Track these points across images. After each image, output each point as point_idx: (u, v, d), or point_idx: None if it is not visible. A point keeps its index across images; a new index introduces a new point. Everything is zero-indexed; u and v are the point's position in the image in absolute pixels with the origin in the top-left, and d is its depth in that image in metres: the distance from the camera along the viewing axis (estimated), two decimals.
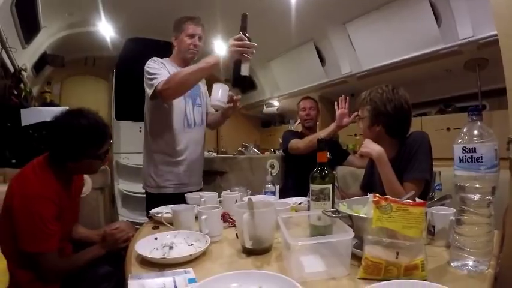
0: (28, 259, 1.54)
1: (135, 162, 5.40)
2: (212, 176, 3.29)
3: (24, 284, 1.56)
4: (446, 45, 2.97)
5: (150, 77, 2.21)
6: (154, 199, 2.34)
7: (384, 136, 1.90)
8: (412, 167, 1.77)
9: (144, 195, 2.51)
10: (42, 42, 4.09)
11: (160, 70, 2.24)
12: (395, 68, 3.58)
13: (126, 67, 5.11)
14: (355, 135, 4.08)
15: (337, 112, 2.70)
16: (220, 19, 3.62)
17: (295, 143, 3.15)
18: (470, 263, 1.03)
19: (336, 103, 2.72)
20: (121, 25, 4.21)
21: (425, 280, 0.94)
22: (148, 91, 2.22)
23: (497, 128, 1.19)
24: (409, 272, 0.95)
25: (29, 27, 3.59)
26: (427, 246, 1.24)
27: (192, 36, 2.39)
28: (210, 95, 2.32)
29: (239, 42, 1.97)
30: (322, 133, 2.92)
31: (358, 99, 2.02)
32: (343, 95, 2.74)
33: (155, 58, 2.35)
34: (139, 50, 4.46)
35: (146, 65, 2.29)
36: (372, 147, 1.82)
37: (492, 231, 1.04)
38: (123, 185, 5.45)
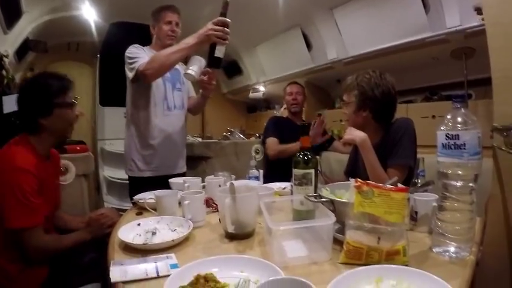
0: (16, 245, 1.54)
1: (120, 149, 5.17)
2: (197, 161, 3.29)
3: (15, 275, 1.56)
4: (434, 33, 2.98)
5: (131, 61, 2.25)
6: (137, 183, 2.38)
7: (369, 121, 1.89)
8: (396, 153, 1.78)
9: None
10: (24, 27, 4.02)
11: (140, 54, 2.27)
12: (382, 55, 3.58)
13: (110, 52, 5.04)
14: (341, 121, 4.07)
15: (311, 133, 2.80)
16: (207, 4, 3.59)
17: (269, 147, 3.19)
18: (452, 249, 1.03)
19: (313, 123, 2.86)
20: (104, 9, 4.14)
21: (406, 265, 0.94)
22: (129, 74, 2.26)
23: (482, 117, 1.21)
24: (390, 257, 0.96)
25: (10, 13, 3.53)
26: (410, 232, 1.25)
27: (169, 23, 2.44)
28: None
29: (217, 27, 1.98)
30: (292, 148, 2.97)
31: (344, 83, 2.00)
32: (317, 119, 2.91)
33: (135, 45, 2.38)
34: (123, 34, 4.40)
35: (126, 51, 2.32)
36: (355, 134, 1.80)
37: (474, 218, 1.05)
38: (108, 172, 5.41)
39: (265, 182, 2.24)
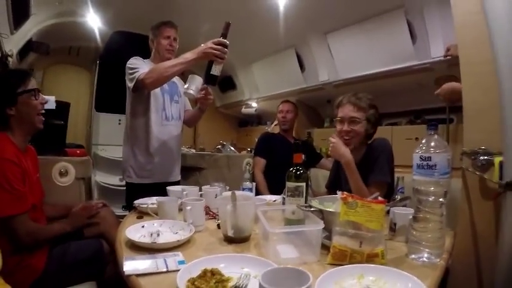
0: (8, 237, 1.60)
1: (113, 155, 5.38)
2: (191, 172, 3.37)
3: (10, 269, 1.55)
4: (419, 61, 3.13)
5: (131, 71, 2.36)
6: (134, 189, 2.47)
7: (361, 140, 2.04)
8: (374, 170, 1.94)
9: (121, 188, 2.59)
10: (30, 29, 4.07)
11: (140, 65, 2.38)
12: (371, 79, 3.72)
13: (110, 59, 5.14)
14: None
15: None
16: (204, 20, 3.70)
17: (255, 167, 3.34)
18: (425, 255, 1.20)
19: None
20: (109, 17, 4.20)
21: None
22: (130, 84, 2.37)
23: (462, 139, 1.37)
24: (370, 259, 1.12)
25: (19, 14, 3.57)
26: (389, 241, 1.42)
27: (168, 37, 2.57)
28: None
29: (216, 46, 2.10)
30: (261, 186, 3.15)
31: (352, 100, 2.04)
32: None
33: (136, 57, 2.50)
34: (124, 43, 4.51)
35: (128, 62, 2.43)
36: (341, 153, 1.93)
37: (443, 228, 1.22)
38: (100, 177, 5.40)
39: (258, 192, 2.37)
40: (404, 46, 3.15)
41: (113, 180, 5.05)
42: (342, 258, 1.13)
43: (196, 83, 2.37)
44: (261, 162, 3.34)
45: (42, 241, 1.71)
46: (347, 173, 1.94)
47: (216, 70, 2.17)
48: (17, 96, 1.76)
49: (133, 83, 2.31)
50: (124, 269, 1.09)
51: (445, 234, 1.25)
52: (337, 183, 2.21)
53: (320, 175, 3.26)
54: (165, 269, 1.10)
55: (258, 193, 2.68)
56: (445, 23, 2.87)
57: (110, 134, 5.54)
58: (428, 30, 3.03)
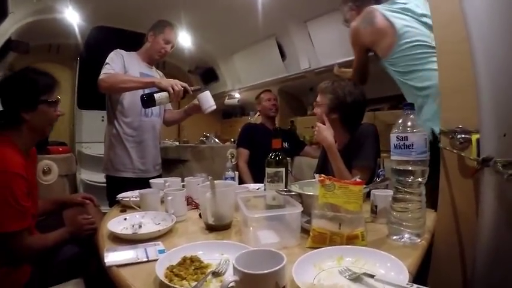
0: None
1: (97, 152, 5.27)
2: (175, 164, 3.37)
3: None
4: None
5: (106, 66, 2.39)
6: (113, 182, 2.50)
7: (337, 123, 2.04)
8: (359, 155, 1.94)
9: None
10: (8, 28, 3.98)
11: (114, 62, 2.40)
12: (352, 65, 3.68)
13: (91, 56, 4.96)
14: (312, 127, 4.15)
15: None
16: (185, 11, 3.68)
17: (239, 158, 3.33)
18: (406, 235, 1.20)
19: None
20: (88, 13, 4.13)
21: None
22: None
23: None
24: (350, 241, 1.12)
25: None
26: (370, 224, 1.43)
27: (167, 42, 2.57)
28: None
29: (180, 86, 2.29)
30: (245, 176, 3.16)
31: (320, 86, 2.13)
32: None
33: (118, 50, 2.50)
34: (104, 38, 4.44)
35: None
36: (323, 136, 1.96)
37: (423, 208, 1.22)
38: (85, 175, 5.37)
39: (241, 182, 2.38)
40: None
41: (98, 177, 4.93)
42: (322, 241, 1.13)
43: (209, 96, 2.46)
44: (245, 152, 3.35)
45: (39, 253, 1.64)
46: (329, 156, 1.96)
47: (160, 99, 2.25)
48: (39, 104, 1.68)
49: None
50: (105, 261, 1.09)
51: (426, 214, 1.26)
52: (325, 169, 2.19)
53: (304, 163, 3.27)
54: (145, 259, 1.11)
55: (242, 183, 2.69)
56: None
57: (93, 131, 5.41)
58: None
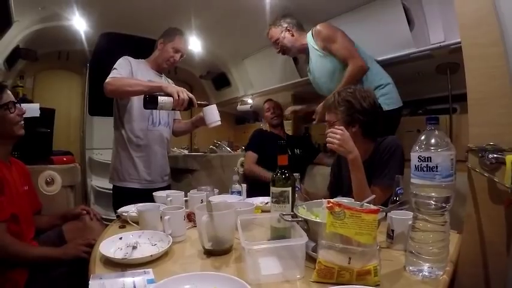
0: None
1: (109, 158, 5.14)
2: (183, 174, 3.28)
3: None
4: (418, 49, 3.00)
5: (113, 70, 2.36)
6: (119, 192, 2.48)
7: (358, 137, 1.85)
8: (382, 172, 1.79)
9: None
10: (15, 36, 3.99)
11: (122, 67, 2.37)
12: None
13: (100, 62, 4.95)
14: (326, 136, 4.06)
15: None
16: (196, 16, 3.60)
17: (246, 161, 3.27)
18: (425, 268, 1.04)
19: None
20: (95, 19, 4.11)
21: (377, 285, 0.95)
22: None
23: (466, 131, 1.22)
24: (361, 277, 0.96)
25: (0, 22, 3.55)
26: (386, 250, 1.27)
27: (177, 51, 2.55)
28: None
29: (187, 95, 2.20)
30: (263, 175, 3.03)
31: (326, 103, 1.99)
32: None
33: (126, 57, 2.47)
34: (113, 44, 4.41)
35: None
36: (350, 148, 1.74)
37: (447, 239, 1.05)
38: (96, 181, 5.36)
39: (250, 192, 2.26)
40: (401, 33, 3.00)
41: (109, 184, 4.88)
42: (329, 276, 0.98)
43: (215, 111, 2.38)
44: (253, 156, 3.25)
45: (15, 258, 1.63)
46: (351, 170, 1.76)
47: (163, 103, 2.17)
48: None
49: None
50: None
51: (450, 240, 1.08)
52: (339, 182, 2.08)
53: (317, 172, 3.15)
54: None
55: (260, 182, 2.76)
56: (444, 7, 2.72)
57: (105, 138, 5.31)
58: (426, 14, 2.88)
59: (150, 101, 2.15)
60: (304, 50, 2.79)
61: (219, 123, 2.36)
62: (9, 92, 1.86)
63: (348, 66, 2.49)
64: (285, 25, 2.76)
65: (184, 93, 2.19)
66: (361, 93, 1.88)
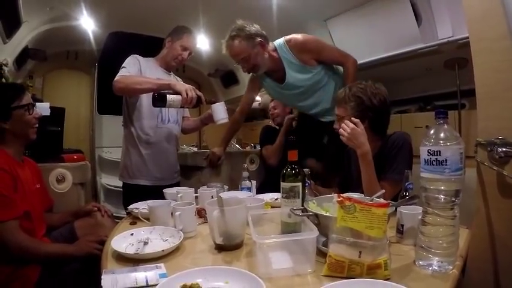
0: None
1: (118, 156, 5.13)
2: (192, 171, 3.29)
3: (7, 279, 1.61)
4: (426, 44, 2.99)
5: (122, 69, 2.35)
6: (129, 190, 2.48)
7: (367, 134, 1.80)
8: (391, 167, 1.78)
9: None
10: (24, 36, 4.05)
11: (130, 66, 2.37)
12: (376, 66, 3.55)
13: (109, 61, 4.98)
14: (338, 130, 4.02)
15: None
16: (203, 14, 3.61)
17: (266, 155, 3.23)
18: (435, 263, 1.04)
19: None
20: (103, 19, 4.17)
21: (387, 279, 0.96)
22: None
23: (475, 126, 1.22)
24: (371, 271, 0.97)
25: (9, 23, 3.58)
26: (396, 245, 1.28)
27: (185, 49, 2.51)
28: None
29: (195, 93, 2.20)
30: (277, 144, 3.07)
31: (336, 98, 1.98)
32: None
33: (135, 55, 2.46)
34: (121, 44, 4.44)
35: None
36: (361, 142, 1.73)
37: (456, 233, 1.05)
38: (105, 179, 5.41)
39: (263, 189, 2.26)
40: (408, 28, 3.01)
41: (119, 182, 4.86)
42: (340, 270, 0.99)
43: (223, 108, 2.37)
44: (271, 146, 3.22)
45: (27, 254, 1.65)
46: (361, 165, 1.76)
47: (172, 101, 2.17)
48: (11, 111, 1.81)
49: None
50: (102, 284, 1.01)
51: (459, 235, 1.09)
52: (348, 179, 2.08)
53: None
54: (144, 284, 1.03)
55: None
56: (451, 1, 2.72)
57: (114, 136, 5.36)
58: (434, 10, 2.88)
59: (159, 99, 2.15)
60: (274, 66, 2.50)
61: (227, 120, 2.36)
62: (28, 94, 1.91)
63: (346, 67, 2.48)
64: (259, 39, 2.37)
65: (193, 91, 2.18)
66: (371, 89, 1.87)
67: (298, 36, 2.44)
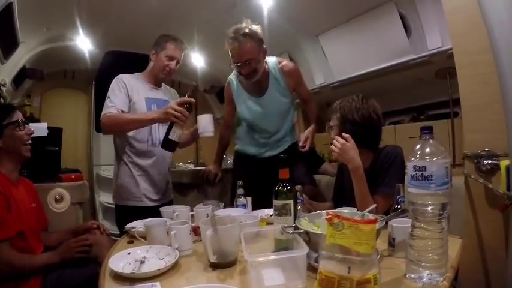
0: None
1: None
2: (190, 189, 3.29)
3: None
4: (416, 55, 3.03)
5: (107, 100, 2.29)
6: (122, 211, 2.42)
7: None
8: (383, 181, 1.82)
9: None
10: (21, 56, 4.10)
11: (115, 95, 2.30)
12: (368, 78, 3.60)
13: (105, 79, 4.97)
14: (331, 144, 4.04)
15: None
16: (197, 31, 3.65)
17: None
18: (425, 275, 1.06)
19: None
20: (99, 39, 4.22)
21: None
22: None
23: None
24: (361, 286, 0.98)
25: (7, 43, 3.63)
26: (388, 258, 1.29)
27: (171, 58, 2.41)
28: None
29: (177, 108, 2.05)
30: None
31: (331, 108, 2.04)
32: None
33: (120, 77, 2.40)
34: (117, 62, 4.51)
35: (111, 84, 2.38)
36: (351, 157, 1.78)
37: (445, 245, 1.07)
38: (103, 197, 5.41)
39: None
40: (399, 40, 3.06)
41: None
42: (330, 286, 1.00)
43: (209, 120, 2.22)
44: None
45: (22, 271, 1.71)
46: (353, 179, 1.80)
47: (174, 135, 2.10)
48: (3, 128, 1.85)
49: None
50: None
51: (450, 241, 1.10)
52: (342, 193, 2.10)
53: (322, 181, 3.14)
54: None
55: None
56: (440, 13, 2.74)
57: (111, 154, 5.41)
58: (423, 21, 2.93)
59: (167, 143, 2.14)
60: (260, 78, 2.48)
61: (212, 134, 2.22)
62: (19, 112, 1.95)
63: (311, 104, 2.74)
64: (264, 46, 2.36)
65: (176, 107, 2.06)
66: (356, 104, 1.92)
67: (289, 61, 2.57)
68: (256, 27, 2.29)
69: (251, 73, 2.36)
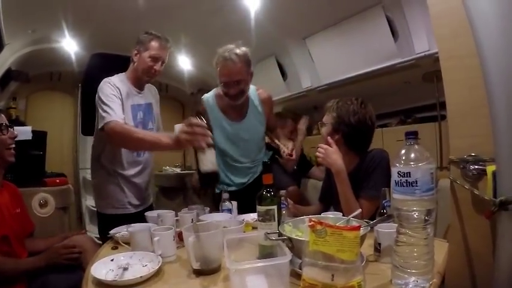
0: None
1: None
2: (176, 192, 3.28)
3: None
4: (403, 59, 3.04)
5: (104, 107, 2.08)
6: (105, 219, 2.33)
7: (341, 145, 1.91)
8: (368, 184, 1.82)
9: None
10: (7, 58, 4.05)
11: (113, 103, 2.10)
12: (355, 81, 3.60)
13: (92, 82, 4.93)
14: (316, 147, 4.05)
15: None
16: (184, 34, 3.63)
17: None
18: (411, 282, 1.04)
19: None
20: (85, 41, 4.19)
21: None
22: (99, 122, 2.09)
23: None
24: None
25: None
26: (374, 263, 1.28)
27: (155, 59, 2.24)
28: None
29: (187, 129, 1.74)
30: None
31: (327, 105, 2.06)
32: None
33: (108, 82, 2.21)
34: (104, 65, 4.44)
35: (99, 88, 2.18)
36: (333, 160, 1.82)
37: (431, 251, 1.05)
38: (90, 201, 5.32)
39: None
40: (386, 44, 3.06)
41: None
42: None
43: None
44: None
45: (6, 275, 1.70)
46: (337, 182, 1.83)
47: (203, 164, 1.76)
48: None
49: (101, 125, 2.05)
50: None
51: (437, 246, 1.09)
52: (329, 195, 2.10)
53: (310, 185, 3.16)
54: None
55: None
56: (427, 17, 2.75)
57: None
58: (410, 25, 2.94)
59: (204, 182, 1.90)
60: (245, 103, 2.46)
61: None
62: (2, 115, 1.89)
63: (275, 132, 2.73)
64: (251, 69, 2.31)
65: (188, 131, 1.75)
66: (355, 107, 1.93)
67: (264, 90, 2.58)
68: (246, 50, 2.25)
69: (238, 94, 2.29)
